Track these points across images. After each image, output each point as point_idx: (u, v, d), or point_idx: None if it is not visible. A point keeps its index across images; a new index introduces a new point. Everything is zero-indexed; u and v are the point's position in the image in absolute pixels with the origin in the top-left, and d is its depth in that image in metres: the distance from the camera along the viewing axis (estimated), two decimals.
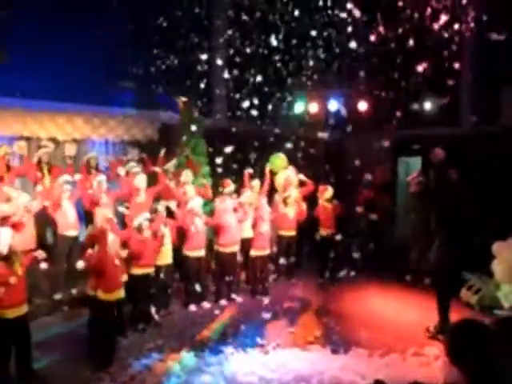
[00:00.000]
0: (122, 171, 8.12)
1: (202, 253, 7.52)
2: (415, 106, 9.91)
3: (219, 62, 9.89)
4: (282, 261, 8.96)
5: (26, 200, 6.65)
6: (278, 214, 8.71)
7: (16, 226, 6.38)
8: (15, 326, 4.90)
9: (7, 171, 7.36)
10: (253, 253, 8.10)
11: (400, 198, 11.26)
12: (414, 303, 7.77)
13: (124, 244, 6.38)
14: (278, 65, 8.48)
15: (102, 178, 7.55)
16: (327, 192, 9.07)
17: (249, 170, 8.80)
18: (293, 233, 8.93)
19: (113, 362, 5.43)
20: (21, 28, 8.48)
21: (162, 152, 8.33)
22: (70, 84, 8.83)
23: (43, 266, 6.74)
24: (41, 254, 5.48)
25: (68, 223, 7.18)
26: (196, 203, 7.49)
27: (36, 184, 7.63)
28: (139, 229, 6.48)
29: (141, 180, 7.60)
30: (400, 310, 7.47)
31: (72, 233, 7.25)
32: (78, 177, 7.48)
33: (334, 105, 10.43)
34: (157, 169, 8.11)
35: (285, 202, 8.89)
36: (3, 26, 8.39)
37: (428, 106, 9.97)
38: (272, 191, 9.41)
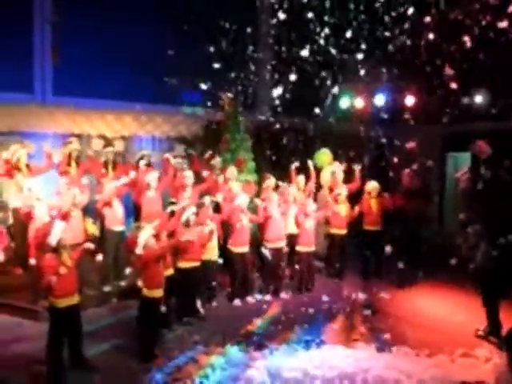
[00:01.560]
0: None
1: (246, 249, 7.57)
2: (465, 100, 9.56)
3: (263, 57, 9.90)
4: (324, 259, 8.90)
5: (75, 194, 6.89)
6: (328, 211, 8.65)
7: (64, 217, 6.62)
8: (67, 316, 5.08)
9: (76, 167, 7.66)
10: (298, 249, 8.09)
11: (448, 195, 10.94)
12: (463, 304, 7.54)
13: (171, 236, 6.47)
14: (324, 59, 8.38)
15: (155, 174, 7.72)
16: (372, 187, 8.90)
17: (295, 164, 8.75)
18: (344, 231, 8.84)
19: (155, 355, 5.54)
20: (72, 30, 8.77)
21: (209, 153, 8.39)
22: (119, 82, 9.08)
23: (99, 257, 6.98)
24: (90, 245, 5.66)
25: (116, 219, 7.39)
26: (243, 200, 7.55)
27: (100, 180, 7.93)
28: (187, 223, 6.58)
29: (188, 176, 7.72)
30: (449, 311, 7.27)
31: (119, 228, 7.44)
32: (132, 174, 7.63)
33: (380, 99, 10.23)
34: (204, 173, 8.18)
35: (336, 199, 8.81)
36: (56, 29, 8.71)
37: (479, 99, 9.60)
38: (318, 187, 9.35)
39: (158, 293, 5.59)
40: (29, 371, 5.15)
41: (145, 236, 5.58)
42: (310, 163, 8.80)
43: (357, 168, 9.02)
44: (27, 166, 7.16)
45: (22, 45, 8.86)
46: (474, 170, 7.54)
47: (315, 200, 8.94)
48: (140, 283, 5.71)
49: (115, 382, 4.95)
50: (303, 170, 9.00)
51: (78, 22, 8.80)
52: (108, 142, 8.38)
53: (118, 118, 9.23)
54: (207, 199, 7.18)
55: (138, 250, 5.55)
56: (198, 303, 6.90)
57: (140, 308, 5.67)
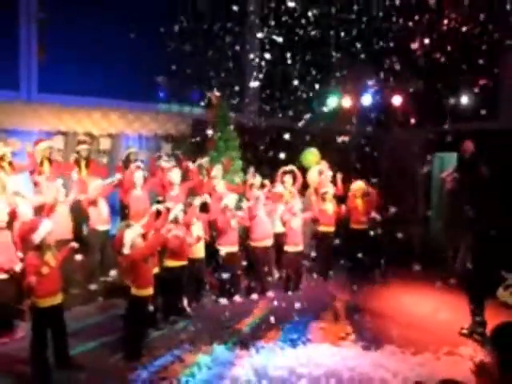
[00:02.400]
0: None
1: (235, 248, 7.57)
2: (452, 100, 9.65)
3: (251, 56, 9.89)
4: (313, 255, 8.93)
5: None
6: (316, 210, 8.67)
7: (50, 211, 6.56)
8: (49, 315, 5.02)
9: (50, 165, 7.58)
10: (286, 248, 8.10)
11: (434, 195, 11.04)
12: (448, 302, 7.62)
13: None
14: (311, 59, 8.40)
15: (140, 173, 7.69)
16: (358, 187, 8.96)
17: (285, 168, 8.76)
18: (332, 229, 8.89)
19: (141, 354, 5.50)
20: (57, 28, 8.68)
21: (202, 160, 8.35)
22: (105, 80, 9.01)
23: (78, 257, 6.95)
24: (75, 245, 5.62)
25: (101, 218, 7.34)
26: (230, 200, 7.53)
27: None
28: (175, 221, 6.55)
29: (175, 174, 7.70)
30: (433, 309, 7.33)
31: (104, 227, 7.39)
32: (118, 176, 7.57)
33: (367, 99, 10.29)
34: (190, 165, 8.18)
35: (323, 197, 8.85)
36: (42, 26, 8.62)
37: (465, 100, 9.71)
38: (304, 187, 9.38)
39: (147, 291, 5.56)
40: (13, 371, 5.08)
41: (131, 235, 5.53)
42: (293, 167, 8.82)
43: (339, 176, 9.10)
44: (10, 163, 7.07)
45: (7, 42, 8.73)
46: (459, 170, 7.62)
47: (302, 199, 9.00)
48: (128, 282, 5.68)
49: (101, 381, 4.91)
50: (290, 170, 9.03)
51: (64, 19, 8.71)
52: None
53: (105, 116, 9.16)
54: (196, 200, 7.16)
55: (125, 250, 5.50)
56: (185, 302, 6.89)
57: (128, 307, 5.64)
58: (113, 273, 5.67)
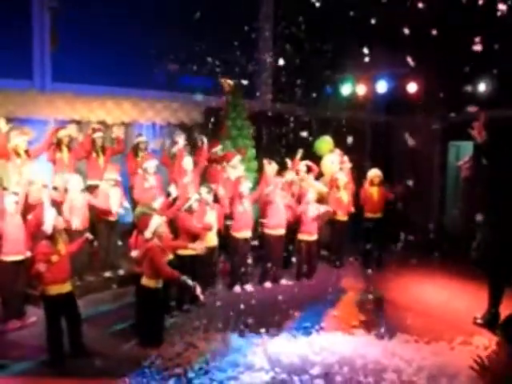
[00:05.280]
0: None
1: (248, 234, 7.56)
2: (469, 88, 9.46)
3: (265, 43, 9.81)
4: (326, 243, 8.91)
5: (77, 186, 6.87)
6: (331, 198, 8.67)
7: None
8: (59, 303, 5.07)
9: (68, 153, 7.63)
10: (300, 237, 8.07)
11: (450, 184, 10.91)
12: (463, 291, 7.56)
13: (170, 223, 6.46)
14: (325, 46, 8.30)
15: (153, 163, 7.72)
16: (374, 175, 8.88)
17: (300, 152, 8.72)
18: (345, 217, 8.85)
19: (162, 341, 5.55)
20: (70, 16, 8.68)
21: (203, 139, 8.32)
22: (118, 69, 9.01)
23: (95, 243, 7.02)
24: (89, 236, 5.66)
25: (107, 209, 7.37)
26: (245, 187, 7.53)
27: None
28: (190, 210, 6.55)
29: (188, 161, 7.71)
30: (448, 298, 7.27)
31: (111, 217, 7.41)
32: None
33: (382, 86, 10.14)
34: (203, 143, 8.13)
35: (336, 186, 8.80)
36: (54, 15, 8.62)
37: (483, 86, 9.51)
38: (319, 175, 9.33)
39: (158, 283, 5.55)
40: (27, 357, 5.15)
41: (157, 222, 5.55)
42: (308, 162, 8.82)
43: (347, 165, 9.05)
44: (26, 152, 7.13)
45: (21, 31, 8.76)
46: (475, 158, 7.49)
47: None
48: (140, 271, 5.71)
49: (115, 368, 4.94)
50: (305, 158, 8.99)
51: (76, 8, 8.71)
52: (98, 128, 8.29)
53: (118, 105, 9.16)
54: (206, 189, 7.16)
55: (148, 234, 5.52)
56: (198, 290, 6.90)
57: (140, 296, 5.65)
58: (134, 253, 5.66)
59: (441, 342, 5.64)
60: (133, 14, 9.07)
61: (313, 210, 7.99)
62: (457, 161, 10.03)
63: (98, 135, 7.95)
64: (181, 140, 8.24)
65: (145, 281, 5.50)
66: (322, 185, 8.89)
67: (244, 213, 7.45)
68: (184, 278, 5.46)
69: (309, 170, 8.87)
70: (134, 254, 5.65)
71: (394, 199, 8.98)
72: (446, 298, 7.27)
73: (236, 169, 8.14)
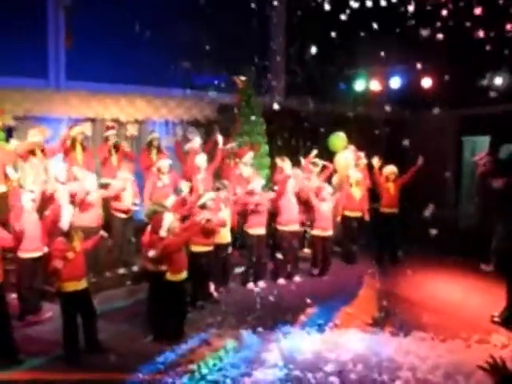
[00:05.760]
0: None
1: (262, 231, 7.56)
2: (484, 82, 9.32)
3: (278, 40, 9.77)
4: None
5: (92, 184, 6.93)
6: (343, 194, 8.65)
7: (82, 206, 6.69)
8: (75, 300, 5.12)
9: (82, 151, 7.68)
10: (314, 233, 8.04)
11: (465, 180, 10.77)
12: (479, 288, 7.46)
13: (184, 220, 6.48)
14: (339, 41, 8.22)
15: (167, 162, 7.75)
16: (390, 171, 8.81)
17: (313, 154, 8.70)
18: (358, 214, 8.79)
19: (183, 335, 5.59)
20: (85, 14, 8.74)
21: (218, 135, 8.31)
22: (132, 67, 9.06)
23: (109, 241, 7.08)
24: (104, 234, 5.70)
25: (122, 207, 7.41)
26: (257, 184, 7.51)
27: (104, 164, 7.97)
28: (203, 207, 6.57)
29: (202, 159, 7.71)
30: (464, 295, 7.20)
31: (124, 215, 7.45)
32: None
33: (396, 82, 10.04)
34: (219, 141, 8.12)
35: (349, 183, 8.76)
36: (69, 13, 8.69)
37: (498, 81, 9.36)
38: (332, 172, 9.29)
39: (182, 276, 5.62)
40: (43, 352, 5.21)
41: (170, 219, 5.59)
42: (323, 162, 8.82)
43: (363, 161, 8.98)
44: (42, 150, 7.22)
45: (36, 31, 8.85)
46: (492, 153, 7.40)
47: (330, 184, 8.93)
48: (150, 266, 5.75)
49: (130, 364, 4.98)
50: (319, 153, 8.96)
51: (90, 6, 8.77)
52: (111, 126, 8.33)
53: (132, 102, 9.22)
54: (222, 186, 7.17)
55: (163, 232, 5.55)
56: (212, 287, 6.93)
57: (164, 291, 5.66)
58: (151, 253, 5.68)
59: (457, 339, 5.56)
60: (146, 12, 9.10)
61: (326, 206, 7.95)
62: (472, 156, 9.91)
63: (111, 133, 7.97)
64: (197, 138, 8.27)
65: (169, 276, 5.55)
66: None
67: (258, 210, 7.42)
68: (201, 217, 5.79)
69: (323, 168, 8.84)
70: (151, 253, 5.67)
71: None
72: (462, 296, 7.19)
73: (248, 166, 8.14)
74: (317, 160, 8.78)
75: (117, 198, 7.34)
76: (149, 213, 6.04)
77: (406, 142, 9.08)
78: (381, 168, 8.86)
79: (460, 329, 5.86)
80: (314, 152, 8.73)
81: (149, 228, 5.95)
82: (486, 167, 8.74)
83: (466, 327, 5.93)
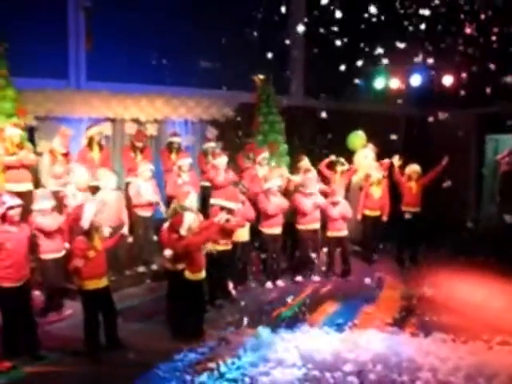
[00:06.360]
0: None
1: (278, 230, 7.54)
2: (508, 79, 9.14)
3: (296, 37, 9.73)
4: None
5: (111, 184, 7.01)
6: (363, 193, 8.63)
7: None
8: (96, 298, 5.18)
9: (99, 151, 7.78)
10: (329, 234, 8.01)
11: (487, 179, 10.59)
12: (501, 289, 7.31)
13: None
14: (358, 38, 8.16)
15: (188, 161, 7.82)
16: (413, 170, 8.71)
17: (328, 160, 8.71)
18: (377, 213, 8.72)
19: (202, 334, 5.63)
20: (104, 15, 8.83)
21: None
22: (151, 67, 9.13)
23: (129, 239, 7.16)
24: (125, 233, 5.75)
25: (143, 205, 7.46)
26: (274, 184, 7.49)
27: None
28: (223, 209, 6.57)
29: (222, 161, 7.72)
30: (485, 297, 7.05)
31: (146, 213, 7.51)
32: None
33: (416, 79, 9.91)
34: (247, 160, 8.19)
35: (368, 181, 8.72)
36: (89, 14, 8.80)
37: None
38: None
39: (201, 275, 5.65)
40: (67, 350, 5.29)
41: (191, 219, 5.62)
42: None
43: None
44: (64, 154, 7.34)
45: (56, 32, 8.98)
46: None
47: (348, 185, 8.90)
48: (169, 265, 5.79)
49: (149, 361, 5.02)
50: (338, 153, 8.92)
51: (110, 7, 8.87)
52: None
53: (151, 102, 9.29)
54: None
55: (183, 231, 5.59)
56: (230, 286, 6.94)
57: (182, 289, 5.69)
58: (168, 252, 5.71)
59: (478, 341, 5.48)
60: (165, 12, 9.17)
61: (337, 210, 7.88)
62: (495, 155, 9.74)
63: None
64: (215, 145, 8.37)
65: (188, 275, 5.58)
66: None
67: (273, 210, 7.41)
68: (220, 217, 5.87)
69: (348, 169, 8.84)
70: (168, 253, 5.71)
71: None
72: (483, 297, 7.05)
73: (263, 166, 8.14)
74: (342, 159, 8.75)
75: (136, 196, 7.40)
76: (170, 212, 6.09)
77: (426, 141, 8.97)
78: (401, 167, 8.77)
79: (482, 330, 5.76)
80: (332, 157, 8.72)
81: (166, 226, 6.00)
82: (509, 166, 8.61)
83: (487, 329, 5.83)
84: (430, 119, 9.94)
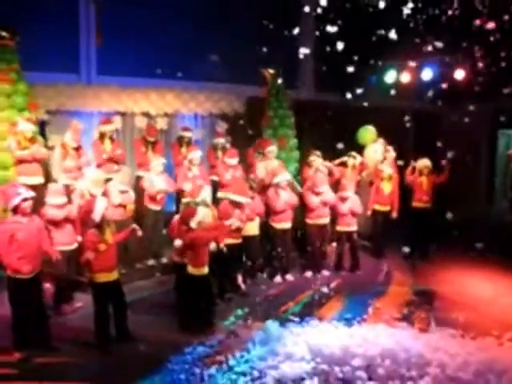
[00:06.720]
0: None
1: (288, 225, 7.54)
2: None
3: (307, 31, 9.68)
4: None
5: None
6: (373, 189, 8.62)
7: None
8: (107, 290, 5.23)
9: (111, 144, 7.84)
10: (338, 228, 7.99)
11: (499, 174, 10.50)
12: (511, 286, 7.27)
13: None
14: (368, 31, 8.10)
15: (198, 153, 7.84)
16: (423, 165, 8.65)
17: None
18: (386, 208, 8.69)
19: (212, 326, 5.67)
20: (114, 10, 8.86)
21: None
22: (161, 61, 9.14)
23: (139, 233, 7.19)
24: (136, 227, 5.80)
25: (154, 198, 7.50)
26: (283, 178, 7.48)
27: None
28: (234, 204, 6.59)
29: (233, 161, 7.73)
30: (495, 293, 7.02)
31: (156, 207, 7.55)
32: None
33: (427, 74, 9.81)
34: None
35: (379, 176, 8.67)
36: (99, 9, 8.82)
37: None
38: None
39: (203, 270, 5.66)
40: (78, 342, 5.35)
41: (204, 213, 5.66)
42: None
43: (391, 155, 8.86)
44: (76, 148, 7.39)
45: (67, 27, 9.02)
46: None
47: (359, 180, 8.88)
48: (177, 258, 5.83)
49: (158, 354, 5.06)
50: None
51: (120, 1, 8.89)
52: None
53: (161, 96, 9.31)
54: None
55: (193, 224, 5.62)
56: (240, 279, 6.97)
57: (184, 284, 5.74)
58: (178, 242, 5.74)
59: (488, 337, 5.44)
60: (174, 6, 9.17)
61: (346, 205, 7.85)
62: (507, 150, 9.66)
63: (109, 128, 7.99)
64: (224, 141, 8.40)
65: (191, 269, 5.61)
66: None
67: (283, 204, 7.41)
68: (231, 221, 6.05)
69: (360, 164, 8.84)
70: (178, 243, 5.74)
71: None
72: (494, 293, 7.02)
73: (271, 159, 8.12)
74: (354, 153, 8.72)
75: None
76: (183, 205, 6.13)
77: (437, 136, 8.91)
78: (414, 168, 8.71)
79: (492, 326, 5.72)
80: (344, 158, 8.72)
81: (176, 218, 6.02)
82: None
83: (497, 325, 5.78)
84: (442, 114, 9.86)
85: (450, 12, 7.56)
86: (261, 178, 7.80)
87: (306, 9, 8.23)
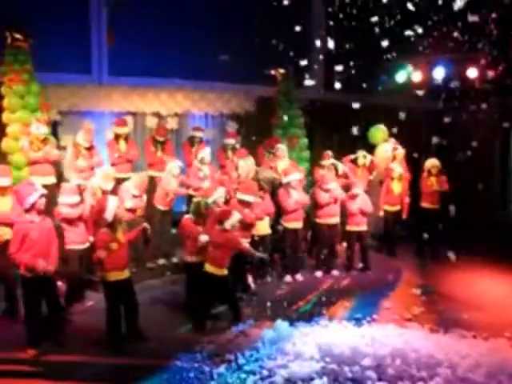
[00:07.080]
0: None
1: (299, 225, 7.54)
2: None
3: (317, 31, 9.66)
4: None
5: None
6: (383, 188, 8.59)
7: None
8: (118, 289, 5.26)
9: (125, 144, 7.92)
10: (348, 228, 7.97)
11: None
12: None
13: None
14: (378, 30, 8.06)
15: (208, 151, 7.88)
16: (432, 165, 8.59)
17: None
18: (397, 208, 8.64)
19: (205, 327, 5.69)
20: (126, 11, 8.91)
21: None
22: (171, 61, 9.19)
23: (149, 232, 7.24)
24: (147, 226, 5.84)
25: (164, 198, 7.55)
26: (294, 177, 7.47)
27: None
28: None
29: (244, 163, 7.70)
30: (508, 294, 6.94)
31: (164, 208, 7.60)
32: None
33: (440, 72, 9.72)
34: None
35: (390, 176, 8.63)
36: (111, 10, 8.89)
37: None
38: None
39: (224, 272, 5.74)
40: (90, 340, 5.39)
41: (238, 218, 5.75)
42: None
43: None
44: (88, 148, 7.46)
45: (79, 28, 9.11)
46: None
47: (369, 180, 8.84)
48: (189, 258, 5.90)
49: (169, 352, 5.09)
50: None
51: (131, 3, 8.94)
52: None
53: (172, 96, 9.36)
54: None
55: (227, 225, 5.68)
56: (250, 279, 6.98)
57: (201, 283, 5.75)
58: (204, 238, 5.77)
59: (500, 338, 5.38)
60: (185, 7, 9.20)
61: (356, 204, 7.82)
62: None
63: (122, 131, 8.06)
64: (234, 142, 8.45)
65: (210, 268, 5.67)
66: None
67: (294, 203, 7.40)
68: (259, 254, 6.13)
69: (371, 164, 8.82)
70: (204, 238, 5.76)
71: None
72: (506, 294, 6.95)
73: (281, 158, 8.12)
74: (364, 152, 8.69)
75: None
76: (194, 205, 6.14)
77: (450, 134, 8.83)
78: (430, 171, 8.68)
79: (504, 328, 5.65)
80: (358, 153, 8.71)
81: (187, 217, 6.06)
82: None
83: (510, 326, 5.72)
84: (454, 112, 9.78)
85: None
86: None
87: (317, 8, 8.19)
